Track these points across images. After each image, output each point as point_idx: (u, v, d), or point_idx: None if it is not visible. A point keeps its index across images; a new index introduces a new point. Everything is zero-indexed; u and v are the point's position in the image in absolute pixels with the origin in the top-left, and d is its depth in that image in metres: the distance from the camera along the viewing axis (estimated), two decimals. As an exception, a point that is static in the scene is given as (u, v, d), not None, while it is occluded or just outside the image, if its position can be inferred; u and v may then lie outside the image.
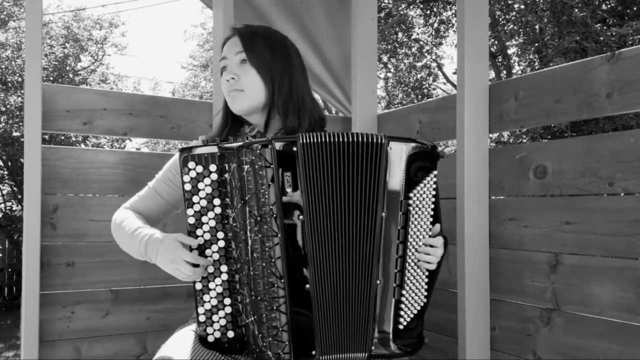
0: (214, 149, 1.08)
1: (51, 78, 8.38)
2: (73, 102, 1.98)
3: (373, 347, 1.14)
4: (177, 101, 2.35)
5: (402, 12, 10.04)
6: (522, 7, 8.51)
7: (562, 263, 1.49)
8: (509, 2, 8.89)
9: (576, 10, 7.20)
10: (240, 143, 1.08)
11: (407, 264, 1.14)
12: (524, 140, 7.67)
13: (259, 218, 1.07)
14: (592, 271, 1.42)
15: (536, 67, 8.51)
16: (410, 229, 1.14)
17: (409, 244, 1.14)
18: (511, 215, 1.65)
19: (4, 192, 8.84)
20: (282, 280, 1.07)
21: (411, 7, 10.22)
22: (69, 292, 1.94)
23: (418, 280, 1.16)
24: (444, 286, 1.84)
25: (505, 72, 9.53)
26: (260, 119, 1.31)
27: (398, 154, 1.12)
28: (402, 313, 1.15)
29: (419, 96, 10.97)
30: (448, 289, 1.83)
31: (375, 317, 1.13)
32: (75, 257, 1.95)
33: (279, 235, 1.07)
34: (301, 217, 1.07)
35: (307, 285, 1.08)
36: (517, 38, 9.07)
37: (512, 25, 9.02)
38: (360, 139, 1.10)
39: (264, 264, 1.07)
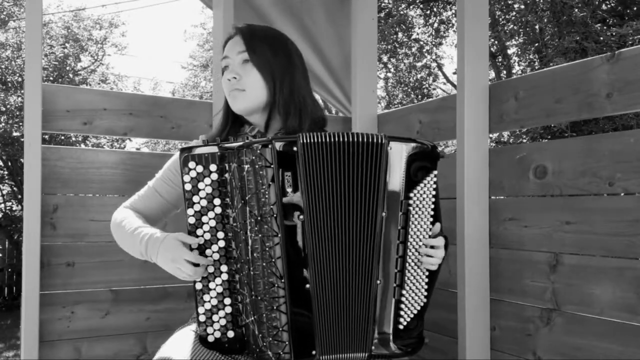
0: (214, 149, 1.08)
1: (51, 78, 8.38)
2: (73, 102, 1.98)
3: (373, 347, 1.14)
4: (177, 101, 2.35)
5: (402, 12, 10.04)
6: (522, 7, 8.51)
7: (562, 263, 1.49)
8: (509, 2, 8.89)
9: (576, 10, 7.20)
10: (241, 143, 1.08)
11: (407, 264, 1.14)
12: (524, 140, 7.68)
13: (259, 218, 1.07)
14: (592, 271, 1.42)
15: (536, 67, 8.51)
16: (410, 229, 1.14)
17: (409, 244, 1.14)
18: (511, 215, 1.65)
19: (4, 192, 8.84)
20: (283, 280, 1.07)
21: (411, 7, 10.22)
22: (69, 292, 1.94)
23: (418, 280, 1.16)
24: (444, 286, 1.84)
25: (505, 72, 9.53)
26: (261, 119, 1.31)
27: (398, 154, 1.12)
28: (402, 313, 1.15)
29: (419, 96, 10.97)
30: (448, 289, 1.83)
31: (375, 317, 1.13)
32: (75, 257, 1.95)
33: (279, 235, 1.07)
34: (301, 217, 1.07)
35: (308, 285, 1.08)
36: (517, 38, 9.07)
37: (512, 25, 9.02)
38: (360, 139, 1.10)
39: (264, 264, 1.07)
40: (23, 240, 1.83)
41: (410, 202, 1.13)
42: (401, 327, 1.15)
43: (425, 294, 1.18)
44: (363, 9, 2.24)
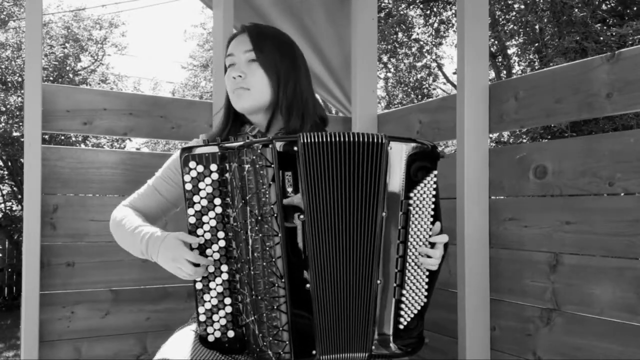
0: (214, 149, 1.08)
1: (51, 78, 8.38)
2: (73, 102, 1.98)
3: (373, 347, 1.14)
4: (177, 101, 2.35)
5: (402, 12, 10.04)
6: (522, 7, 8.51)
7: (562, 263, 1.49)
8: (509, 2, 8.89)
9: (576, 10, 7.20)
10: (241, 143, 1.08)
11: (407, 264, 1.14)
12: (524, 140, 7.68)
13: (259, 217, 1.07)
14: (592, 271, 1.42)
15: (536, 67, 8.51)
16: (410, 229, 1.14)
17: (409, 243, 1.14)
18: (511, 215, 1.65)
19: (4, 192, 8.84)
20: (283, 280, 1.07)
21: (411, 7, 10.22)
22: (69, 292, 1.94)
23: (418, 280, 1.16)
24: (444, 286, 1.84)
25: (505, 72, 9.53)
26: (263, 119, 1.31)
27: (398, 154, 1.12)
28: (402, 313, 1.15)
29: (419, 96, 10.97)
30: (448, 289, 1.83)
31: (375, 317, 1.13)
32: (75, 257, 1.95)
33: (280, 235, 1.07)
34: (302, 216, 1.07)
35: (308, 285, 1.08)
36: (517, 38, 9.07)
37: (512, 25, 9.02)
38: (360, 139, 1.10)
39: (264, 264, 1.07)
40: (23, 240, 1.83)
41: (411, 202, 1.13)
42: (401, 327, 1.15)
43: (426, 293, 1.18)
44: (363, 9, 2.24)
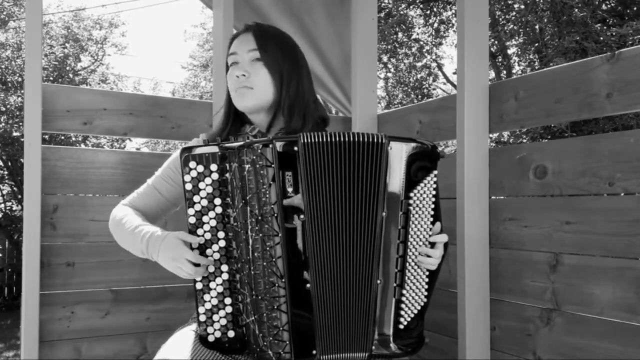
0: (215, 149, 1.08)
1: (51, 78, 8.38)
2: (73, 102, 1.98)
3: (373, 347, 1.14)
4: (177, 101, 2.35)
5: (402, 12, 10.04)
6: (522, 7, 8.51)
7: (562, 263, 1.49)
8: (509, 2, 8.89)
9: (576, 10, 7.20)
10: (241, 143, 1.08)
11: (407, 264, 1.14)
12: (524, 140, 7.68)
13: (259, 217, 1.07)
14: (592, 271, 1.42)
15: (536, 67, 8.51)
16: (410, 229, 1.14)
17: (409, 243, 1.14)
18: (511, 215, 1.65)
19: (4, 192, 8.84)
20: (283, 280, 1.07)
21: (411, 7, 10.22)
22: (69, 292, 1.94)
23: (418, 279, 1.16)
24: (444, 286, 1.84)
25: (505, 72, 9.53)
26: (264, 119, 1.31)
27: (398, 154, 1.12)
28: (402, 313, 1.15)
29: (419, 96, 10.97)
30: (448, 289, 1.83)
31: (375, 316, 1.13)
32: (75, 257, 1.95)
33: (280, 235, 1.07)
34: (302, 216, 1.07)
35: (308, 285, 1.08)
36: (517, 38, 9.07)
37: (512, 25, 9.02)
38: (360, 139, 1.10)
39: (264, 264, 1.07)
40: (23, 240, 1.83)
41: (411, 201, 1.13)
42: (401, 326, 1.15)
43: (426, 293, 1.18)
44: (363, 9, 2.24)
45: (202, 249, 1.09)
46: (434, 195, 1.16)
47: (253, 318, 1.09)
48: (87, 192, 2.00)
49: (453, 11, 9.91)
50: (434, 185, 1.16)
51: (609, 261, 1.38)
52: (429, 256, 1.16)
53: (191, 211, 1.09)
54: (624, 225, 1.34)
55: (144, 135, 2.17)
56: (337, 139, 1.09)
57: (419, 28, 10.75)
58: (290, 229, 1.07)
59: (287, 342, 1.08)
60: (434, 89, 11.44)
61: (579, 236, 1.45)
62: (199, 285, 1.10)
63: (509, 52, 9.59)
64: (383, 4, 9.71)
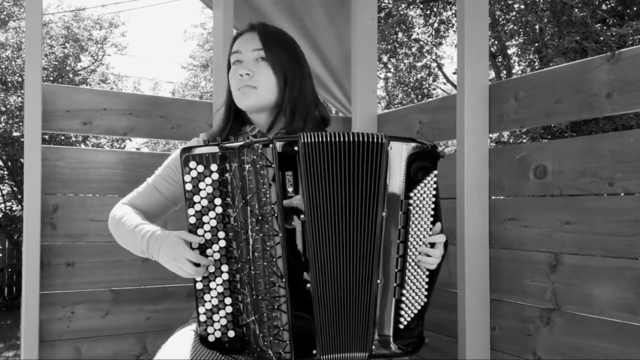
0: (215, 149, 1.08)
1: (51, 78, 8.38)
2: (73, 102, 1.98)
3: (373, 347, 1.14)
4: (177, 101, 2.35)
5: (402, 12, 10.04)
6: (522, 7, 8.51)
7: (562, 263, 1.49)
8: (509, 2, 8.89)
9: (576, 10, 7.20)
10: (242, 143, 1.08)
11: (407, 264, 1.14)
12: (524, 140, 7.68)
13: (260, 217, 1.07)
14: (592, 271, 1.42)
15: (536, 67, 8.51)
16: (410, 229, 1.14)
17: (409, 243, 1.14)
18: (511, 215, 1.65)
19: (4, 192, 8.84)
20: (283, 280, 1.07)
21: (411, 7, 10.22)
22: (69, 292, 1.94)
23: (418, 279, 1.16)
24: (444, 286, 1.84)
25: (505, 72, 9.53)
26: (266, 119, 1.31)
27: (398, 154, 1.12)
28: (402, 312, 1.15)
29: (419, 96, 10.97)
30: (448, 289, 1.83)
31: (375, 316, 1.13)
32: (75, 257, 1.95)
33: (280, 235, 1.07)
34: (302, 216, 1.07)
35: (308, 285, 1.08)
36: (517, 38, 9.08)
37: (512, 25, 9.03)
38: (361, 139, 1.10)
39: (265, 264, 1.07)
40: (23, 240, 1.83)
41: (411, 201, 1.13)
42: (401, 326, 1.15)
43: (426, 293, 1.18)
44: (363, 9, 2.24)
45: (202, 249, 1.09)
46: (434, 195, 1.16)
47: (253, 318, 1.09)
48: (87, 192, 2.01)
49: (453, 11, 9.91)
50: (434, 185, 1.16)
51: (609, 261, 1.38)
52: (429, 256, 1.16)
53: (191, 211, 1.09)
54: (624, 225, 1.34)
55: (144, 135, 2.17)
56: (337, 139, 1.09)
57: (419, 28, 10.75)
58: (290, 229, 1.07)
59: (287, 342, 1.08)
60: (434, 89, 11.44)
61: (579, 236, 1.45)
62: (199, 285, 1.10)
63: (509, 52, 9.59)
64: (383, 4, 9.71)
